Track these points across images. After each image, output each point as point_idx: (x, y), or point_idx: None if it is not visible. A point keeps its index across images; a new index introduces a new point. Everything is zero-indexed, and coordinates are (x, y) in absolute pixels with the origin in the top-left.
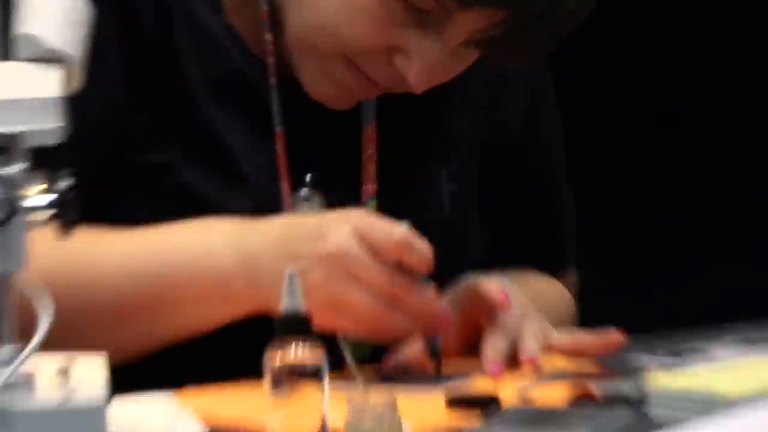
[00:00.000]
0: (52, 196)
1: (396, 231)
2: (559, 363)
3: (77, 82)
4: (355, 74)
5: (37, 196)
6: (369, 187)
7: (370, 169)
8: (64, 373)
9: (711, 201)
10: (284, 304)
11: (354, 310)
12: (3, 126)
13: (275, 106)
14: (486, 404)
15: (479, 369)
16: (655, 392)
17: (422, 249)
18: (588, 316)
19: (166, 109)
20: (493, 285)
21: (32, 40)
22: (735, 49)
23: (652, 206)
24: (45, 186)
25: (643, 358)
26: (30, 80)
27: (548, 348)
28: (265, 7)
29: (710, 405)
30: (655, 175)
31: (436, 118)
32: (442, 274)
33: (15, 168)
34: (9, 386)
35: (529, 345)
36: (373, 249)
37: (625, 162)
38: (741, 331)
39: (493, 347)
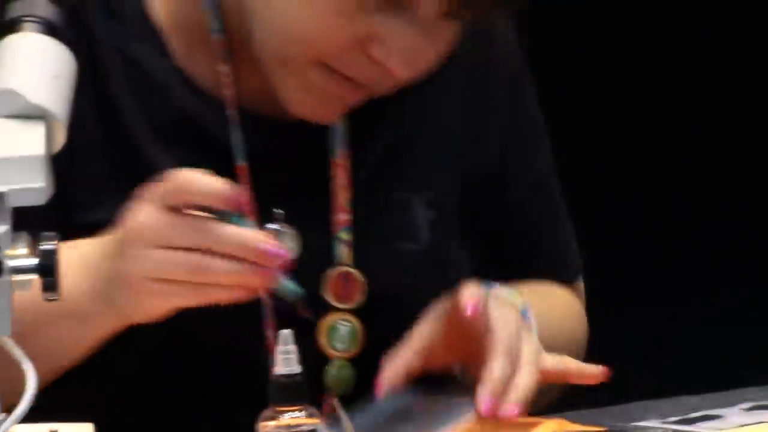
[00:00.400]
0: (36, 259)
1: (175, 176)
2: (570, 427)
3: (62, 138)
4: (335, 78)
5: (21, 258)
6: (342, 217)
7: (342, 199)
8: None
9: (731, 267)
10: (277, 367)
11: (172, 273)
12: None
13: (235, 140)
14: None
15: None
16: None
17: (208, 184)
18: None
19: (109, 163)
20: (469, 291)
21: (15, 96)
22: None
23: (669, 268)
24: (29, 248)
25: (653, 424)
26: (13, 137)
27: (540, 372)
28: (219, 38)
29: None
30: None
31: (408, 146)
32: (423, 303)
33: None
34: None
35: (522, 383)
36: (167, 206)
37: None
38: (753, 396)
39: (491, 379)
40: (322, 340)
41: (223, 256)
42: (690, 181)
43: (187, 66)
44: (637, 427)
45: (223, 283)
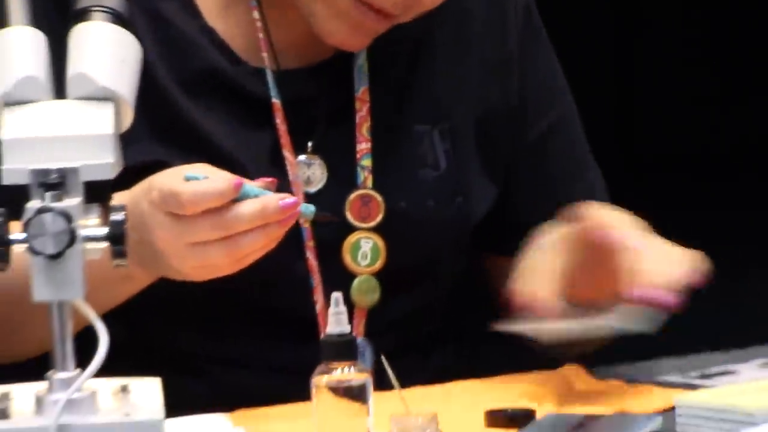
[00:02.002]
0: (107, 228)
1: (181, 192)
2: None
3: (129, 118)
4: (365, 8)
5: (92, 227)
6: (363, 146)
7: (364, 130)
8: (123, 391)
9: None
10: (329, 328)
11: (212, 260)
12: (59, 162)
13: (270, 83)
14: (522, 418)
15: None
16: (682, 407)
17: (210, 191)
18: (628, 338)
19: (146, 111)
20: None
21: (86, 79)
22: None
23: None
24: (99, 218)
25: (676, 379)
26: (84, 118)
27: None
28: None
29: (734, 420)
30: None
31: (424, 82)
32: (438, 222)
33: (71, 201)
34: (74, 403)
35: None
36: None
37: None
38: (765, 354)
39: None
40: (347, 258)
41: (246, 232)
42: None
43: (216, 26)
44: (661, 381)
45: (257, 249)
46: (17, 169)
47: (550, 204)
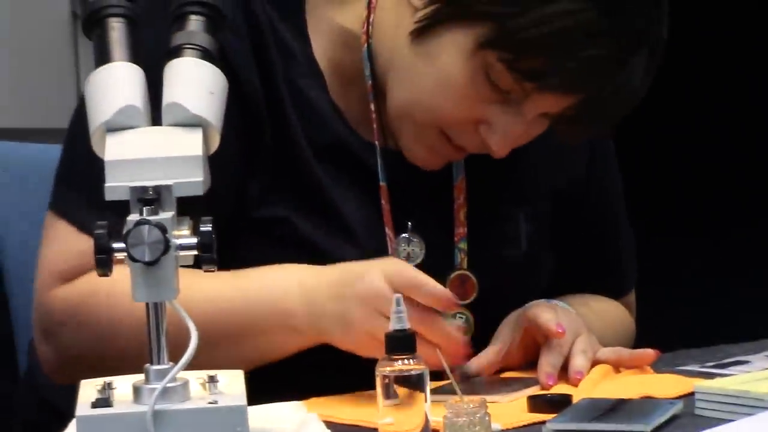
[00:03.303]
0: (196, 238)
1: (416, 278)
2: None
3: (216, 142)
4: (446, 142)
5: (184, 237)
6: (460, 230)
7: (461, 215)
8: (211, 381)
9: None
10: (392, 325)
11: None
12: (155, 180)
13: (379, 165)
14: (561, 403)
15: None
16: (700, 393)
17: (434, 290)
18: (652, 333)
19: (278, 170)
20: (551, 316)
21: (178, 108)
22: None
23: (711, 243)
24: (190, 229)
25: (694, 368)
26: (177, 141)
27: (595, 360)
28: (369, 82)
29: (747, 404)
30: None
31: (514, 173)
32: (520, 297)
33: (166, 215)
34: (167, 392)
35: (577, 361)
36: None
37: (681, 195)
38: None
39: (548, 363)
40: None
41: (429, 341)
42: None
43: (338, 101)
44: (681, 370)
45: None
46: (118, 187)
47: (581, 275)
